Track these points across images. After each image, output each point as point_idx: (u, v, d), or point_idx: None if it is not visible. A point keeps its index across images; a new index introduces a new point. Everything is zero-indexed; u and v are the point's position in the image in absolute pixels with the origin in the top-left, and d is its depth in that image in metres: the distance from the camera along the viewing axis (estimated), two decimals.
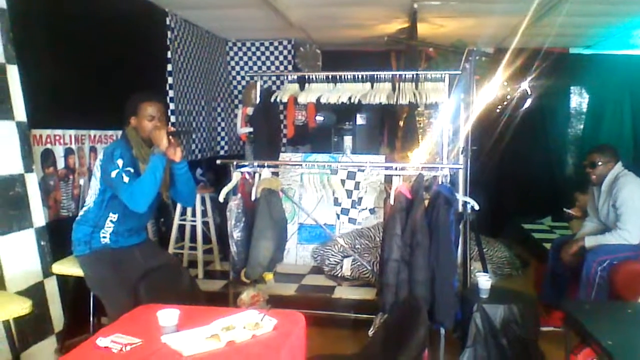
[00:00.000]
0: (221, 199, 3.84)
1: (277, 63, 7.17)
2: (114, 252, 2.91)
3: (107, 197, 2.87)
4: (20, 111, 3.24)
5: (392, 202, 3.45)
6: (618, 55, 7.06)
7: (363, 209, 4.35)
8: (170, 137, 2.85)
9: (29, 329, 3.11)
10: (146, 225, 3.24)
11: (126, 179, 2.72)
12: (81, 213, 2.96)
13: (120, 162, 2.74)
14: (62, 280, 3.30)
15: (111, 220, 2.90)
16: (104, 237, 2.90)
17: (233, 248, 3.78)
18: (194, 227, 5.06)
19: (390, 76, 4.50)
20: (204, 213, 5.15)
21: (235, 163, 3.90)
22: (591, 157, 3.84)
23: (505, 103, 6.35)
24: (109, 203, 2.87)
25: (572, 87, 7.33)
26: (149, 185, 2.72)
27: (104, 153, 2.84)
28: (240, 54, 7.25)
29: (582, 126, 7.33)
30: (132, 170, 2.76)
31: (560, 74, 6.67)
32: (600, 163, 3.79)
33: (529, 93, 6.38)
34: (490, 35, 6.33)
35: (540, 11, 4.91)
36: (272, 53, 7.18)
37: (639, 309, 2.90)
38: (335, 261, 4.96)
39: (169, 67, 5.50)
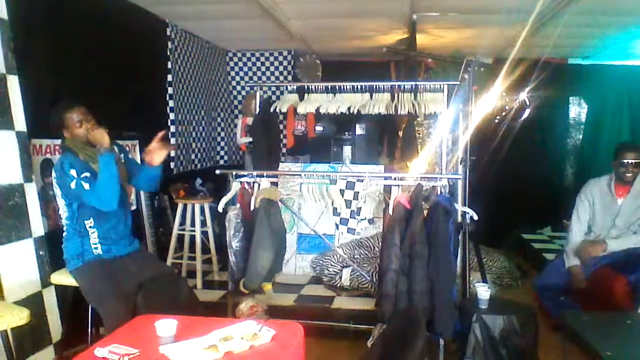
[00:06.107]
0: (220, 208, 3.84)
1: (277, 73, 7.22)
2: (107, 263, 2.94)
3: (75, 208, 2.91)
4: (20, 121, 3.25)
5: (391, 212, 3.45)
6: (616, 65, 7.09)
7: (362, 219, 4.34)
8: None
9: (27, 339, 3.10)
10: (134, 231, 3.24)
11: (86, 186, 2.76)
12: (64, 233, 3.01)
13: (73, 172, 2.78)
14: (61, 290, 3.29)
15: (90, 227, 2.94)
16: (96, 248, 2.94)
17: (232, 258, 3.78)
18: (193, 237, 5.05)
19: (390, 86, 4.51)
20: (203, 223, 5.14)
21: (234, 173, 3.90)
22: (631, 154, 3.70)
23: (504, 113, 6.36)
24: (79, 213, 2.91)
25: (570, 98, 7.36)
26: (109, 182, 2.78)
27: (55, 170, 2.89)
28: (241, 64, 7.29)
29: (581, 136, 7.37)
30: (88, 175, 2.80)
31: (558, 84, 6.70)
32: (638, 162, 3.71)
33: (528, 103, 6.40)
34: (489, 46, 6.36)
35: (539, 22, 4.93)
36: (272, 63, 7.22)
37: (638, 319, 2.90)
38: (334, 271, 4.95)
39: (169, 78, 5.53)
